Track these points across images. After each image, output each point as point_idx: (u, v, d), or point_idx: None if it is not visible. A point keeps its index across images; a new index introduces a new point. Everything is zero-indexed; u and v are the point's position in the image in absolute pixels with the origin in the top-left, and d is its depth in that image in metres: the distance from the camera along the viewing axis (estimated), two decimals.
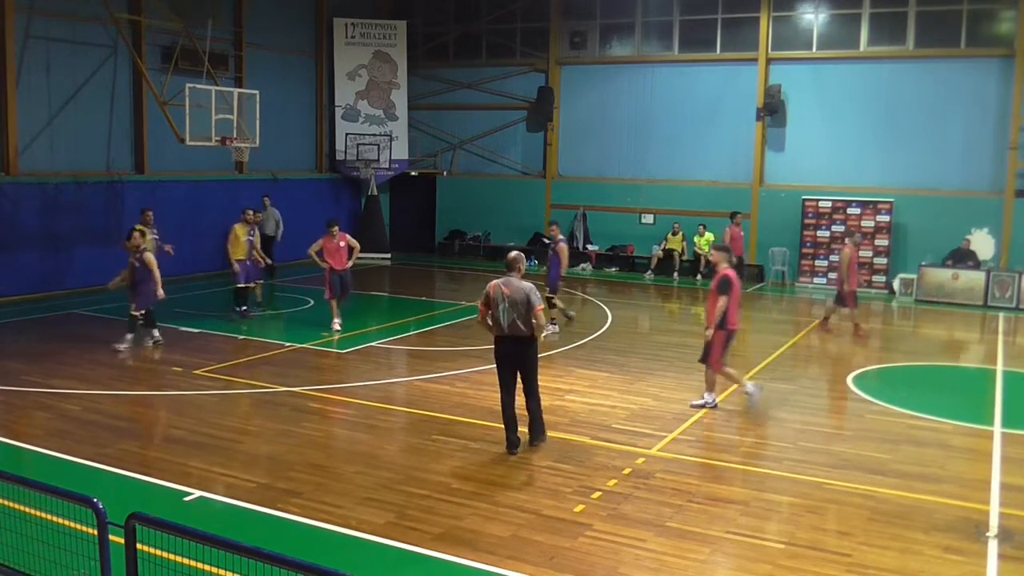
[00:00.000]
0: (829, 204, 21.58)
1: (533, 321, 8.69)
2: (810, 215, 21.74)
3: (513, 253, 9.12)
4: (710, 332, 10.44)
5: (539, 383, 9.11)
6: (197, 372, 11.89)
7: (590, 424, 9.94)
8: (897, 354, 14.72)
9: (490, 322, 8.92)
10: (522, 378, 8.94)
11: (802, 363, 13.82)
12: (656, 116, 23.75)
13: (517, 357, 8.86)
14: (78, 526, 5.31)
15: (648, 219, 23.97)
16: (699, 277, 22.17)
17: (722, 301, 10.33)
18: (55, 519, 5.57)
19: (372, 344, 14.02)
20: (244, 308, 15.55)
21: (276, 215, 20.59)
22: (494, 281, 8.93)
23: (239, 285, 15.47)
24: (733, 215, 19.55)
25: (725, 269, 10.56)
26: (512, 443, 8.91)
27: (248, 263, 15.55)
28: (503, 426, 8.99)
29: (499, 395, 9.05)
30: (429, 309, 17.11)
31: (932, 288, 19.83)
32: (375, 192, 24.95)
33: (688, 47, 23.42)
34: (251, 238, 15.58)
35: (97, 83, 18.87)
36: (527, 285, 8.77)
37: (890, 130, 21.26)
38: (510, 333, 8.76)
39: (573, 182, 24.90)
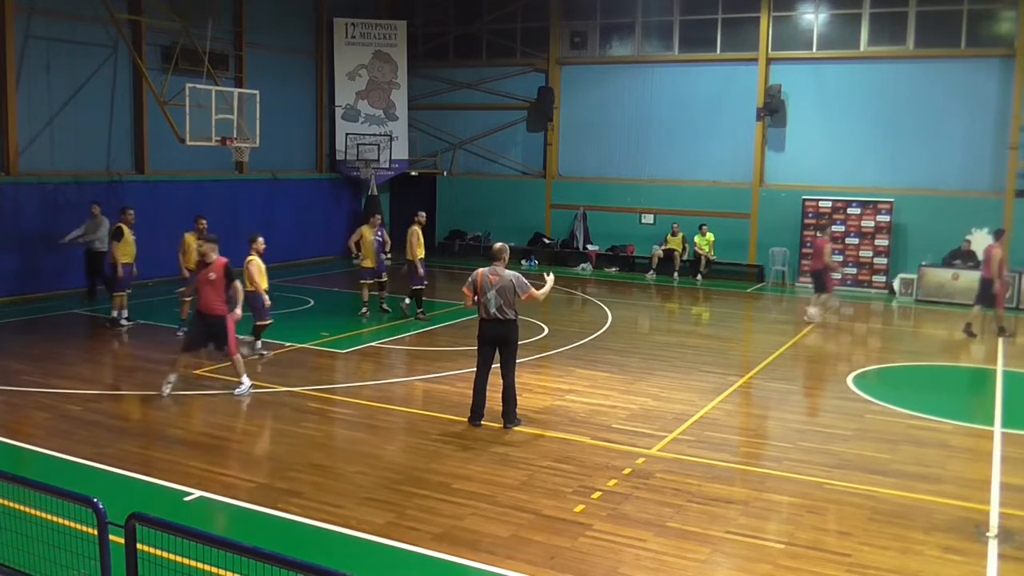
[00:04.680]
0: (829, 204, 21.58)
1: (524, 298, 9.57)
2: (810, 215, 21.74)
3: (498, 244, 9.91)
4: (238, 313, 11.08)
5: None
6: (197, 372, 11.89)
7: (590, 424, 9.94)
8: (897, 354, 14.72)
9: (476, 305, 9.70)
10: (502, 357, 9.67)
11: (802, 363, 13.82)
12: (656, 116, 23.75)
13: (500, 337, 9.61)
14: (78, 526, 5.31)
15: (648, 219, 23.97)
16: (699, 277, 22.18)
17: (237, 284, 10.83)
18: (55, 519, 5.56)
19: (372, 344, 14.02)
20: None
21: (107, 225, 16.27)
22: (480, 270, 9.72)
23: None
24: (998, 233, 16.42)
25: (219, 259, 10.79)
26: (476, 414, 9.73)
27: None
28: (485, 405, 9.79)
29: (475, 372, 9.77)
30: (429, 309, 17.07)
31: (932, 288, 19.84)
32: (375, 192, 24.94)
33: (688, 47, 23.42)
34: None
35: (97, 83, 18.87)
36: (511, 273, 9.57)
37: (890, 130, 21.26)
38: (497, 316, 9.51)
39: (573, 182, 24.90)
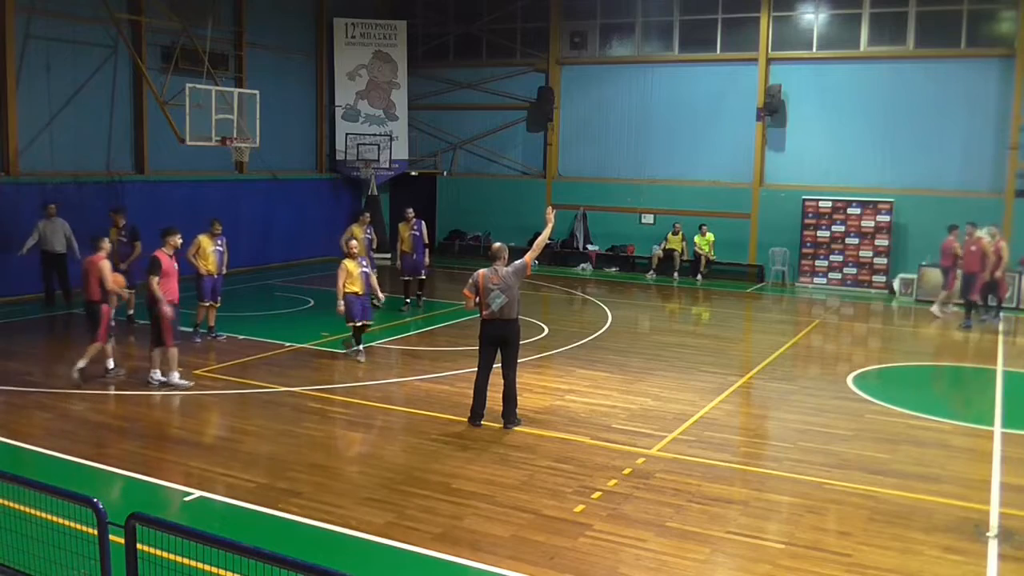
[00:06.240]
0: (829, 204, 21.59)
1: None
2: (810, 215, 21.74)
3: (496, 244, 9.94)
4: (168, 310, 11.00)
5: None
6: (197, 372, 11.88)
7: (590, 424, 9.94)
8: (897, 354, 14.72)
9: (477, 305, 9.70)
10: (504, 357, 9.66)
11: (802, 363, 13.82)
12: (656, 116, 23.75)
13: (502, 338, 9.60)
14: (78, 526, 5.31)
15: (648, 219, 23.97)
16: (699, 277, 22.18)
17: (152, 281, 10.95)
18: (55, 519, 5.56)
19: (372, 344, 14.02)
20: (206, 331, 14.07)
21: (65, 227, 16.39)
22: (482, 271, 9.71)
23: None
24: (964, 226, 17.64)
25: (158, 252, 11.21)
26: (476, 414, 9.72)
27: (217, 278, 13.97)
28: (486, 405, 9.79)
29: (476, 372, 9.74)
30: (429, 309, 17.11)
31: (932, 288, 19.78)
32: (375, 192, 24.95)
33: (688, 47, 23.42)
34: (219, 248, 14.07)
35: (97, 83, 18.87)
36: (509, 269, 9.58)
37: (890, 130, 21.26)
38: (500, 316, 9.50)
39: (573, 182, 24.89)
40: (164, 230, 11.39)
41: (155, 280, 10.91)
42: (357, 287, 12.81)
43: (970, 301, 16.91)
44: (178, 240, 11.40)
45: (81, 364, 11.05)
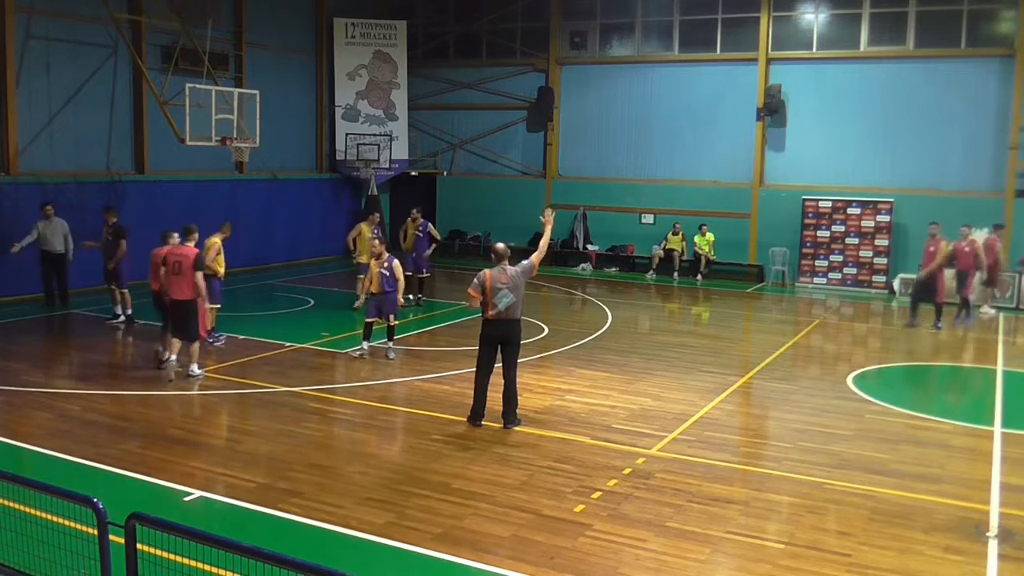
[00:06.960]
0: (829, 204, 21.59)
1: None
2: (810, 215, 21.74)
3: (500, 245, 9.92)
4: (207, 306, 11.60)
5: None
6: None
7: (590, 424, 9.94)
8: (897, 354, 14.72)
9: (482, 305, 9.68)
10: (505, 357, 9.67)
11: (802, 363, 13.82)
12: (656, 116, 23.75)
13: (504, 337, 9.61)
14: (78, 526, 5.31)
15: (648, 219, 23.97)
16: (699, 277, 22.18)
17: (199, 276, 11.28)
18: (55, 519, 5.57)
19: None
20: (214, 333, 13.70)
21: (64, 227, 16.33)
22: (487, 271, 9.63)
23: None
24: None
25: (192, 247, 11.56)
26: (476, 414, 9.73)
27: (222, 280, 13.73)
28: (486, 405, 9.78)
29: (477, 372, 9.73)
30: (429, 309, 17.12)
31: None
32: (375, 192, 24.93)
33: (688, 47, 23.42)
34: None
35: (97, 83, 18.86)
36: (516, 268, 9.61)
37: (890, 130, 21.26)
38: (505, 316, 9.50)
39: (573, 182, 24.90)
40: (186, 228, 11.66)
41: (200, 275, 11.18)
42: (374, 286, 13.02)
43: (938, 304, 16.75)
44: (197, 238, 11.77)
45: (195, 368, 11.51)
